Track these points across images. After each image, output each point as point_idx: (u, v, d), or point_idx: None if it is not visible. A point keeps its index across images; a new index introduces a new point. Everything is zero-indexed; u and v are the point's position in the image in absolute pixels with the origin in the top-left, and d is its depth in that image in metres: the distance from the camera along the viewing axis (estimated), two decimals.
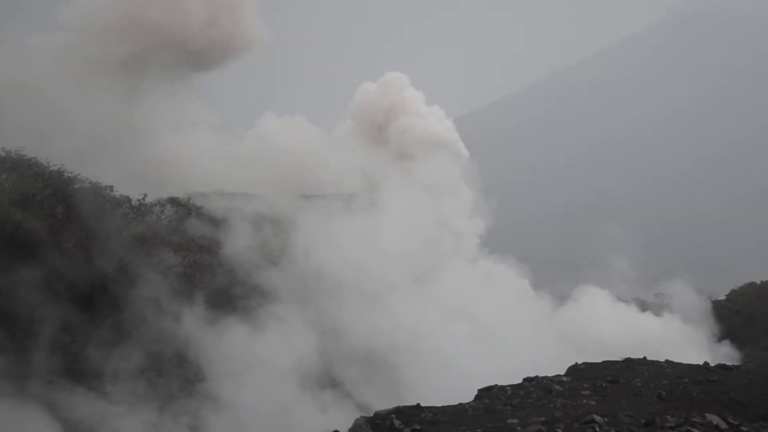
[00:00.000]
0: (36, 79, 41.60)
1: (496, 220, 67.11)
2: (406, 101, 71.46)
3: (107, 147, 41.26)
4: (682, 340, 51.82)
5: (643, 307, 60.85)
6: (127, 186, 35.74)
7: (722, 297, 69.65)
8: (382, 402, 31.21)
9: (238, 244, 37.67)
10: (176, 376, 32.37)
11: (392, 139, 68.12)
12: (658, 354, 33.94)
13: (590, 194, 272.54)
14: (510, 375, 27.96)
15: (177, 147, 49.38)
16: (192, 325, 32.44)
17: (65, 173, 33.88)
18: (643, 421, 15.96)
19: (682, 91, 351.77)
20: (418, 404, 22.99)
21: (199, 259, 36.91)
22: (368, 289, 38.21)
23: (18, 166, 32.60)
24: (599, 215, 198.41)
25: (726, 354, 51.96)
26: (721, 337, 55.92)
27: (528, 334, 40.63)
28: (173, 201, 39.42)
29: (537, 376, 26.35)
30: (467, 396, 25.18)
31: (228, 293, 36.31)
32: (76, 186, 34.14)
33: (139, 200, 36.25)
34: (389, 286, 39.32)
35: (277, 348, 32.88)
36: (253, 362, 32.00)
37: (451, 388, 29.51)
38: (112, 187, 35.32)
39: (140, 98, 47.48)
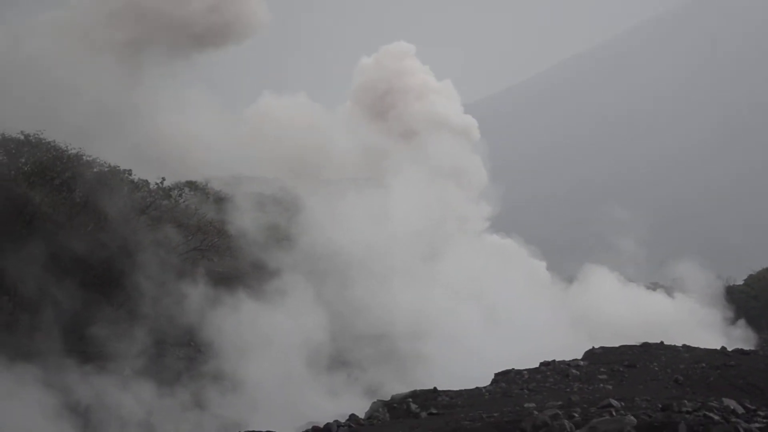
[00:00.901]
0: (39, 58, 41.52)
1: (502, 202, 66.65)
2: (411, 76, 69.21)
3: (110, 125, 41.15)
4: (695, 321, 51.80)
5: (656, 289, 60.73)
6: (129, 163, 35.69)
7: (740, 282, 69.45)
8: (392, 385, 31.41)
9: (251, 226, 37.73)
10: (187, 357, 32.54)
11: (398, 118, 66.49)
12: (671, 335, 33.93)
13: (594, 174, 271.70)
14: (522, 358, 28.00)
15: (178, 127, 48.99)
16: (207, 306, 32.53)
17: (84, 156, 34.02)
18: (660, 406, 15.96)
19: (686, 66, 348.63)
20: (434, 388, 23.04)
21: (217, 243, 37.05)
22: (377, 269, 38.17)
23: (37, 150, 32.76)
24: (602, 196, 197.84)
25: (740, 336, 51.91)
26: (735, 319, 55.74)
27: (542, 317, 40.55)
28: (191, 185, 39.55)
29: (554, 361, 26.35)
30: (484, 380, 25.24)
31: (242, 274, 36.37)
32: (95, 169, 34.28)
33: (157, 184, 36.39)
34: (398, 265, 39.24)
35: (291, 330, 32.96)
36: (267, 344, 32.10)
37: (465, 371, 29.61)
38: (130, 170, 35.46)
39: (142, 79, 47.30)
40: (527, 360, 27.65)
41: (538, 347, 33.54)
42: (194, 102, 51.30)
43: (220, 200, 39.39)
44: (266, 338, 32.14)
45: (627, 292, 56.92)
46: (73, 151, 33.83)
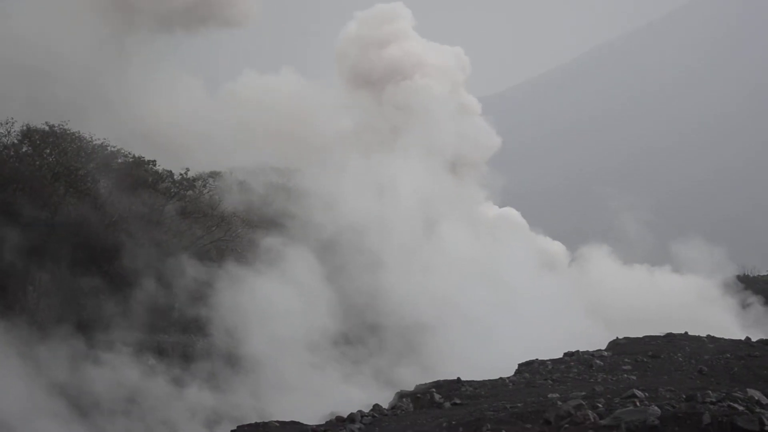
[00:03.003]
0: (21, 30, 40.76)
1: (506, 192, 65.98)
2: (399, 48, 63.23)
3: (97, 101, 40.53)
4: (711, 304, 51.62)
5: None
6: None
7: (763, 272, 69.02)
8: (403, 373, 31.50)
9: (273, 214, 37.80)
10: (207, 346, 32.78)
11: (394, 97, 61.11)
12: (689, 318, 33.69)
13: (604, 160, 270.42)
14: (536, 343, 27.99)
15: (164, 109, 47.70)
16: (229, 293, 32.67)
17: (108, 147, 34.21)
18: (684, 396, 15.92)
19: (698, 48, 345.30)
20: (458, 378, 23.05)
21: (241, 233, 37.21)
22: (380, 250, 38.01)
23: (62, 141, 32.95)
24: (605, 183, 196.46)
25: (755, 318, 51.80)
26: (748, 304, 55.36)
27: (553, 297, 40.12)
28: (214, 175, 39.66)
29: (578, 351, 26.30)
30: (507, 370, 25.22)
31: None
32: (119, 160, 34.47)
33: (181, 174, 36.49)
34: (398, 244, 38.98)
35: (304, 320, 33.00)
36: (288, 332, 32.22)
37: (481, 358, 29.68)
38: (154, 161, 35.58)
39: (128, 58, 46.20)
40: (540, 345, 27.70)
41: (552, 332, 33.65)
42: (177, 82, 50.05)
43: (244, 191, 39.42)
44: (289, 326, 32.26)
45: (633, 274, 56.78)
46: (98, 142, 34.03)
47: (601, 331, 36.51)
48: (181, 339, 32.49)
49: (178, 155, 39.76)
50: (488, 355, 31.66)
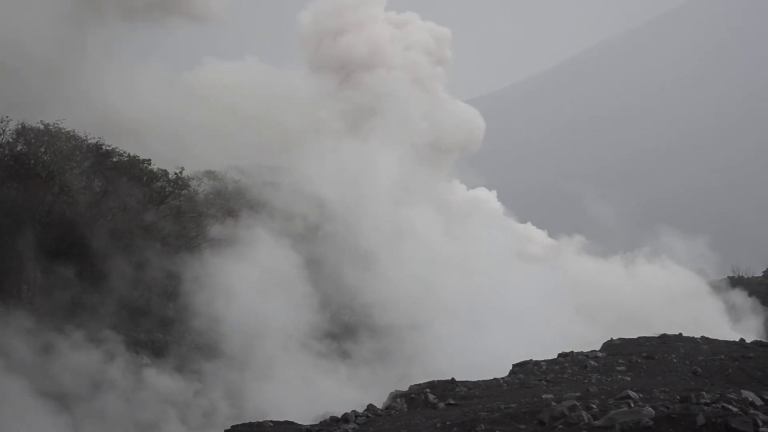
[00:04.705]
0: None
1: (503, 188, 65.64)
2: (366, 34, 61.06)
3: (56, 92, 39.86)
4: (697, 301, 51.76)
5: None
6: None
7: (758, 273, 69.06)
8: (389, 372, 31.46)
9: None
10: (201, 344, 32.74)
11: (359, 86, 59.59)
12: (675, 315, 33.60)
13: (603, 161, 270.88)
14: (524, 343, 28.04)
15: (127, 102, 45.97)
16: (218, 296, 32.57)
17: (103, 146, 34.17)
18: (679, 397, 15.93)
19: (698, 49, 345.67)
20: (452, 378, 23.06)
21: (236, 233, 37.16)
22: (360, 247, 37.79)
23: (56, 139, 32.90)
24: (603, 182, 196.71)
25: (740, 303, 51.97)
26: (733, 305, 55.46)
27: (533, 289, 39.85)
28: (210, 174, 39.62)
29: (572, 352, 26.32)
30: (501, 371, 25.24)
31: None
32: (114, 159, 34.43)
33: (176, 173, 36.45)
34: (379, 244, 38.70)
35: (291, 322, 32.92)
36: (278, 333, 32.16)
37: (471, 358, 29.72)
38: (149, 160, 35.56)
39: (89, 49, 45.25)
40: (522, 338, 27.76)
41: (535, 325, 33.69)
42: (139, 71, 49.06)
43: (239, 190, 39.33)
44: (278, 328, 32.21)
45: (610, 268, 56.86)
46: (93, 141, 33.97)
47: (588, 327, 36.59)
48: (174, 337, 32.52)
49: (138, 144, 38.57)
50: (474, 349, 31.79)
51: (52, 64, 39.87)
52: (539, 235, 68.40)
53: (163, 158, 37.43)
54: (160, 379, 29.49)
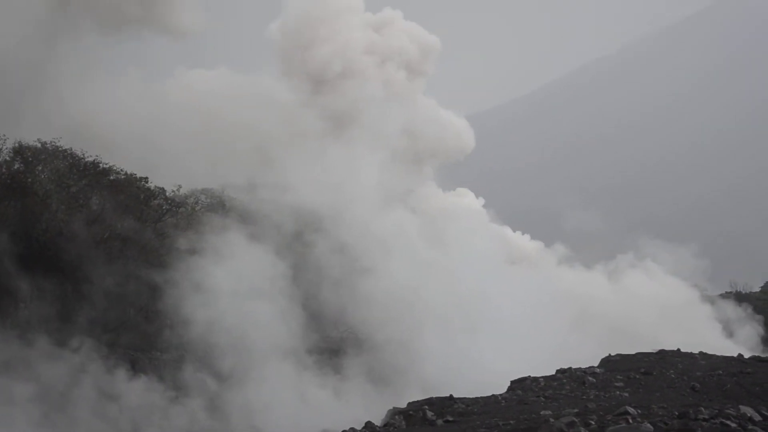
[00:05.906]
0: None
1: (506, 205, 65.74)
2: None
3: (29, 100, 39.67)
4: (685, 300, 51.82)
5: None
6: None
7: (756, 289, 69.15)
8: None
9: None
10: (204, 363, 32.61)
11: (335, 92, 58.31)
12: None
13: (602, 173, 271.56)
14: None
15: (100, 107, 45.17)
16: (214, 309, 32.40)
17: (100, 164, 34.17)
18: (677, 413, 15.92)
19: (705, 64, 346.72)
20: (450, 395, 23.04)
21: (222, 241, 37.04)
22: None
23: (54, 157, 32.90)
24: (609, 197, 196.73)
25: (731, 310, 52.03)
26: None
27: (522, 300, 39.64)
28: (207, 192, 39.61)
29: (570, 368, 26.33)
30: (499, 387, 25.21)
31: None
32: (112, 177, 34.42)
33: (173, 191, 36.47)
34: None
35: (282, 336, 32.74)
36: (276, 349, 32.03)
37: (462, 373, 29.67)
38: (146, 178, 35.55)
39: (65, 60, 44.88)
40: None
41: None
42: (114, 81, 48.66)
43: (238, 210, 39.14)
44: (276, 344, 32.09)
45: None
46: (90, 159, 33.97)
47: (582, 335, 36.60)
48: (174, 355, 32.46)
49: (113, 155, 38.23)
50: (468, 360, 31.78)
51: (27, 75, 39.85)
52: (524, 240, 68.40)
53: (142, 167, 37.36)
54: (143, 393, 29.46)
